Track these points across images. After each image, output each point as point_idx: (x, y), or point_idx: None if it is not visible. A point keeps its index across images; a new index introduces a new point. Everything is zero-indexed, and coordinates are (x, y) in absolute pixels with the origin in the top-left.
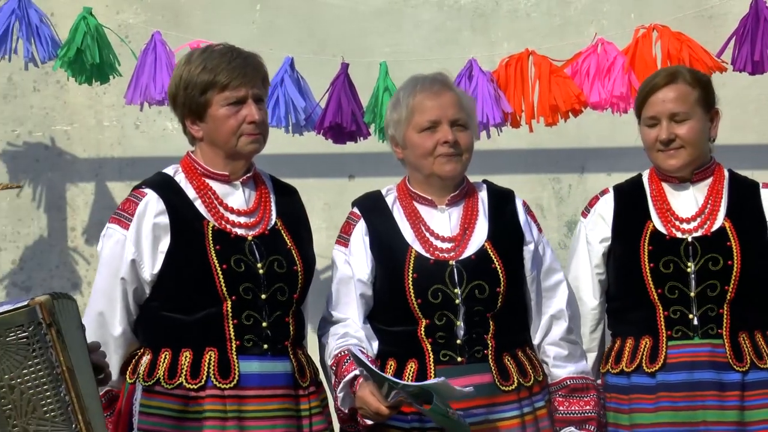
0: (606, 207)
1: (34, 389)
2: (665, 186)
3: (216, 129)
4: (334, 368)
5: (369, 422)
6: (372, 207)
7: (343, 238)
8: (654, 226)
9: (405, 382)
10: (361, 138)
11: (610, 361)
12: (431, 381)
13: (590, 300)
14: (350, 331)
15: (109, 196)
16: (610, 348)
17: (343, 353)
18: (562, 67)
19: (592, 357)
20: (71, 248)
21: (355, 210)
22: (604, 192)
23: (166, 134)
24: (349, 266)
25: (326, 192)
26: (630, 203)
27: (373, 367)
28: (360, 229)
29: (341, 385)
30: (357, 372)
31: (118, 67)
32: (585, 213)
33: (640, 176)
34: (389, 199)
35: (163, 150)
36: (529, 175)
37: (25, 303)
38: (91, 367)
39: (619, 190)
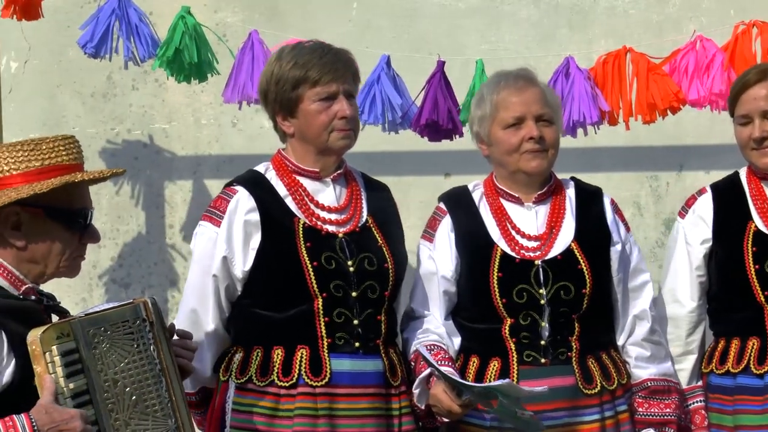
0: (705, 207)
1: (137, 384)
2: (764, 184)
3: (307, 124)
4: (412, 364)
5: (446, 419)
6: (458, 203)
7: (429, 234)
8: (756, 226)
9: (471, 384)
10: (457, 136)
11: (713, 361)
12: (496, 383)
13: (688, 302)
14: (431, 327)
15: (206, 194)
16: (712, 348)
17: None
18: (661, 65)
19: (691, 359)
20: (169, 245)
21: (442, 205)
22: (701, 192)
23: (263, 132)
24: (433, 262)
25: (422, 190)
26: (729, 203)
27: (438, 366)
28: (446, 225)
29: (417, 382)
30: (431, 370)
31: (216, 66)
32: (682, 213)
33: (736, 174)
34: (476, 195)
35: (260, 148)
36: (626, 173)
37: (130, 301)
38: (178, 370)
39: (716, 189)
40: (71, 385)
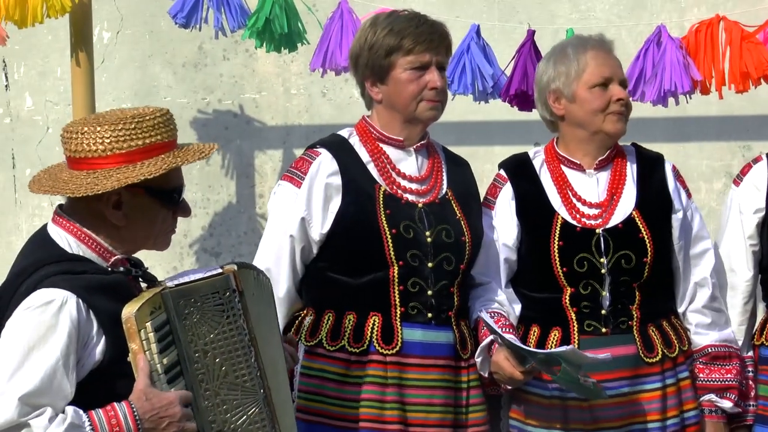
0: (759, 176)
1: (226, 354)
2: None
3: (397, 92)
4: (474, 332)
5: (508, 387)
6: (519, 170)
7: (489, 201)
8: None
9: (533, 349)
10: None
11: (765, 333)
12: (559, 349)
13: (744, 271)
14: (492, 294)
15: None
16: (764, 320)
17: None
18: (754, 33)
19: (743, 330)
20: (259, 215)
21: (502, 172)
22: (757, 159)
23: (353, 102)
24: (493, 229)
25: None
26: None
27: (501, 332)
28: (506, 193)
29: (479, 350)
30: (493, 337)
31: (305, 36)
32: (737, 181)
33: None
34: (537, 162)
35: (350, 118)
36: (719, 143)
37: (219, 271)
38: (282, 348)
39: None
40: (165, 360)
